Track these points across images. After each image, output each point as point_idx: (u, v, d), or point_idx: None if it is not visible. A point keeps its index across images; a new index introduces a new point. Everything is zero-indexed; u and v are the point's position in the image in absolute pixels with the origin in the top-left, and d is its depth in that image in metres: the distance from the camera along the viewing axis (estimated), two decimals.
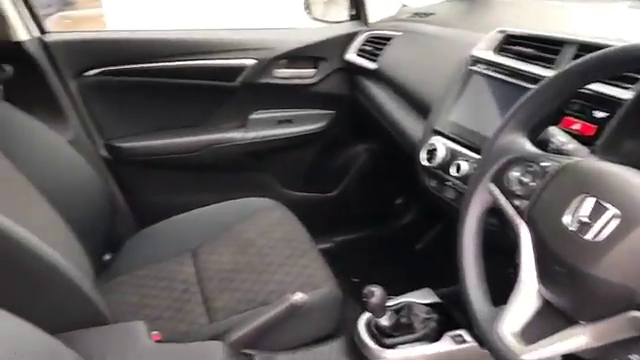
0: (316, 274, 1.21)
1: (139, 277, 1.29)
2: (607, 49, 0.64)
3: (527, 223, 0.68)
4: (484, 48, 1.09)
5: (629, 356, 0.56)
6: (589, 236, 0.58)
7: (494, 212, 0.75)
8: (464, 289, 0.72)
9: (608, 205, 0.58)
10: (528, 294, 0.65)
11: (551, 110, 0.73)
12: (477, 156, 0.96)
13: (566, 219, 0.61)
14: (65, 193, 1.27)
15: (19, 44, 1.36)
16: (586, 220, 0.59)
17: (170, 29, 1.60)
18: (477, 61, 1.09)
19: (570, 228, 0.61)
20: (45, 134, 1.29)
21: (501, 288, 0.70)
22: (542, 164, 0.69)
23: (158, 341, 0.97)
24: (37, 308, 0.73)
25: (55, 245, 1.05)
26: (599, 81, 0.80)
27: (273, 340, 1.08)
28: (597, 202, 0.59)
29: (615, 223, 0.56)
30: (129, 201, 1.63)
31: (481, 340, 0.70)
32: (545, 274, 0.64)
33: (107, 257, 1.44)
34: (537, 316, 0.64)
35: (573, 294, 0.60)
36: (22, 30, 1.36)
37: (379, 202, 1.89)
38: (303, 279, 1.19)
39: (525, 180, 0.70)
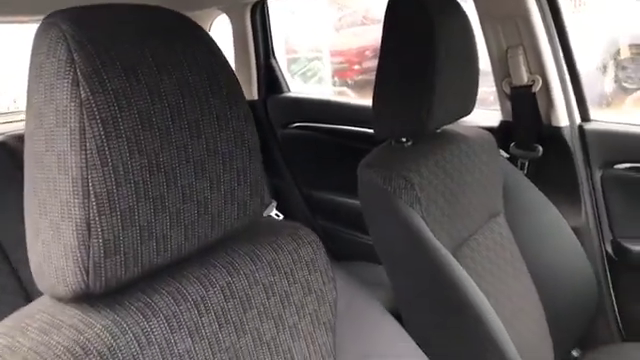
0: None
1: None
2: None
3: None
4: None
5: None
6: None
7: None
8: None
9: None
10: None
11: None
12: None
13: None
14: (553, 275, 1.29)
15: (557, 129, 1.44)
16: None
17: None
18: None
19: None
20: (553, 215, 1.34)
21: None
22: None
23: None
24: None
25: (521, 328, 1.09)
26: None
27: None
28: None
29: None
30: (621, 306, 1.48)
31: None
32: None
33: (574, 354, 1.38)
34: None
35: None
36: (564, 116, 1.44)
37: None
38: None
39: None
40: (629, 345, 1.38)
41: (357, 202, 1.55)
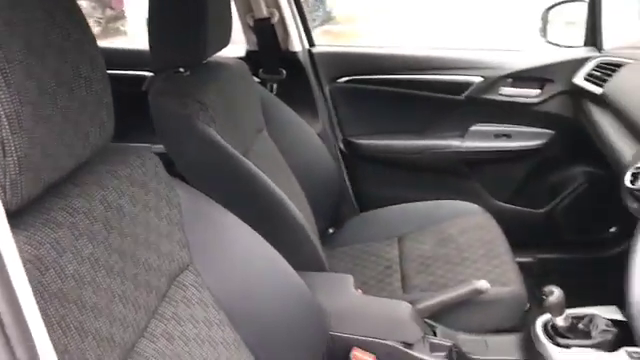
0: (506, 274, 1.32)
1: (355, 250, 1.56)
2: None
3: None
4: None
5: None
6: None
7: None
8: (627, 286, 0.80)
9: None
10: None
11: None
12: None
13: None
14: (308, 173, 1.60)
15: (294, 54, 1.75)
16: None
17: (408, 46, 1.86)
18: None
19: None
20: (301, 125, 1.65)
21: None
22: None
23: None
24: (283, 248, 1.00)
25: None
26: None
27: (456, 320, 1.23)
28: None
29: None
30: (354, 188, 1.93)
31: None
32: None
33: (331, 231, 1.75)
34: None
35: None
36: (297, 43, 1.75)
37: (591, 227, 1.87)
38: (492, 276, 1.31)
39: None
40: (363, 215, 1.81)
41: None
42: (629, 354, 1.03)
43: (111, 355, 0.66)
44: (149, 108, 1.19)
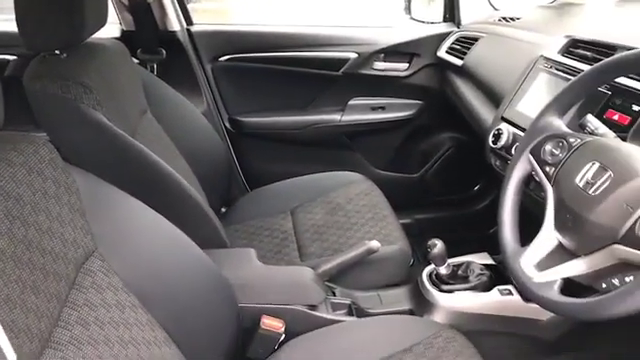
0: (391, 234, 1.44)
1: (249, 226, 1.59)
2: (624, 53, 0.82)
3: (552, 185, 0.87)
4: (552, 50, 1.27)
5: (612, 280, 0.74)
6: (591, 191, 0.78)
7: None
8: (500, 232, 0.93)
9: (607, 168, 0.77)
10: (546, 238, 0.85)
11: (579, 100, 0.93)
12: None
13: (577, 179, 0.81)
14: (196, 153, 1.59)
15: (172, 33, 1.71)
16: (590, 180, 0.78)
17: (287, 25, 1.90)
18: (545, 61, 1.27)
19: (580, 186, 0.80)
20: (185, 105, 1.62)
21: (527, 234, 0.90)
22: (570, 140, 0.88)
23: None
24: (183, 227, 1.01)
25: None
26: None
27: (352, 280, 1.33)
28: (600, 166, 0.78)
29: (608, 181, 0.75)
30: (242, 166, 1.95)
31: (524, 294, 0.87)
32: (560, 222, 0.84)
33: (223, 210, 1.76)
34: (551, 254, 0.84)
35: (577, 235, 0.79)
36: (175, 22, 1.72)
37: (458, 187, 2.08)
38: (380, 237, 1.42)
39: (556, 152, 0.89)
40: (254, 192, 1.84)
41: None
42: (500, 291, 1.20)
43: (30, 346, 0.65)
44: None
